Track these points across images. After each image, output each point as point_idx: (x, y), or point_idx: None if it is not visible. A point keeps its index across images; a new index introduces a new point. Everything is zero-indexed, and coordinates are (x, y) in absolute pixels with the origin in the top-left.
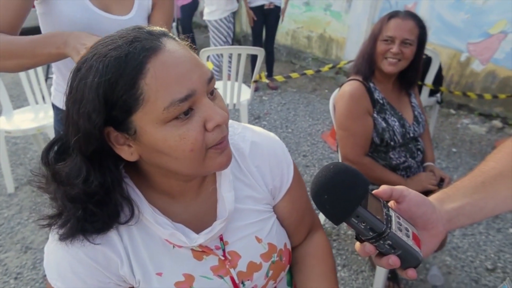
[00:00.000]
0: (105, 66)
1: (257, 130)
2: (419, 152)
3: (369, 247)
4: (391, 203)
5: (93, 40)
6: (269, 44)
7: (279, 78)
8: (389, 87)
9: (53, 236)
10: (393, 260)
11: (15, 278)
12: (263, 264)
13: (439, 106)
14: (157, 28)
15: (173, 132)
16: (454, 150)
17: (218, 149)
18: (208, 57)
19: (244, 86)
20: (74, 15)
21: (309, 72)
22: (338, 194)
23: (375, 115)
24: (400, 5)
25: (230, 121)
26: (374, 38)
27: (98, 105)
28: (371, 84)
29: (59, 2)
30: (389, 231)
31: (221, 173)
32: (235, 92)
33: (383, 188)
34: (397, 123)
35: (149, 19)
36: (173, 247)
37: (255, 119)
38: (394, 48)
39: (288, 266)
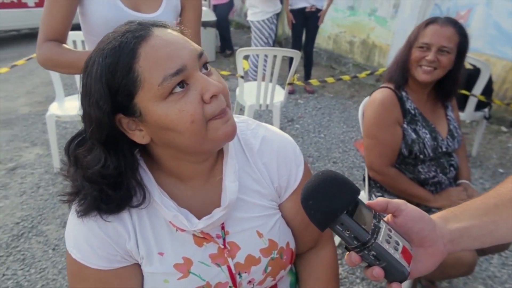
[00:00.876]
0: (103, 57)
1: (271, 128)
2: (451, 168)
3: (354, 256)
4: (388, 217)
5: None
6: (308, 47)
7: (314, 81)
8: (423, 98)
9: (73, 210)
10: (377, 271)
11: (53, 249)
12: (262, 259)
13: (487, 122)
14: (147, 20)
15: (173, 107)
16: (501, 170)
17: (218, 118)
18: (248, 57)
19: (278, 88)
20: (107, 14)
21: (346, 77)
22: (323, 200)
23: (405, 125)
24: (452, 11)
25: (246, 117)
26: (409, 45)
27: (103, 92)
28: (403, 93)
29: (94, 2)
30: (373, 241)
31: (227, 163)
32: (269, 93)
33: (378, 199)
34: (428, 136)
35: (181, 20)
36: (176, 230)
37: (288, 121)
38: (430, 56)
39: (290, 266)
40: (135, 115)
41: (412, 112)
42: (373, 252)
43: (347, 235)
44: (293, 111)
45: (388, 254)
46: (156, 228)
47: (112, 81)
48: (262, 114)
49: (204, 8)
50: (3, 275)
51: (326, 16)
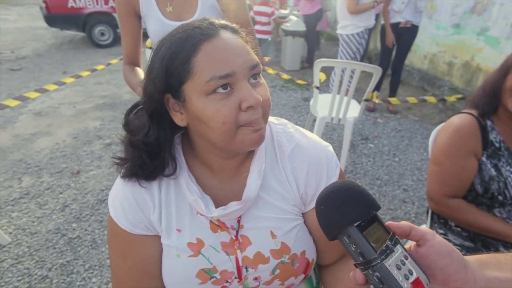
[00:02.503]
0: (171, 43)
1: (308, 135)
2: None
3: (359, 274)
4: (412, 245)
5: None
6: (397, 65)
7: (393, 100)
8: None
9: (119, 174)
10: None
11: None
12: (271, 259)
13: None
14: (220, 21)
15: (211, 104)
16: None
17: (250, 126)
18: (330, 68)
19: (355, 103)
20: (155, 28)
21: (431, 99)
22: (332, 208)
23: (483, 158)
24: None
25: (286, 121)
26: (505, 69)
27: (160, 73)
28: (489, 122)
29: (148, 22)
30: (379, 262)
31: (254, 162)
32: (343, 107)
33: (402, 223)
34: None
35: (226, 14)
36: (196, 213)
37: (362, 139)
38: None
39: (303, 276)
40: (180, 99)
41: (497, 145)
42: (377, 274)
43: (353, 249)
44: (369, 129)
45: (393, 279)
46: (180, 205)
47: (170, 65)
48: (336, 128)
49: (294, 18)
50: (85, 230)
51: (425, 33)
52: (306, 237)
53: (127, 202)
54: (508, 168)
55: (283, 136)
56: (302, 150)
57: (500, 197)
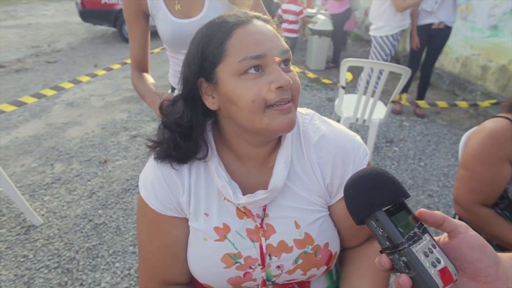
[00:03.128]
0: (207, 29)
1: (334, 125)
2: None
3: (384, 258)
4: (443, 236)
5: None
6: (427, 67)
7: (422, 104)
8: None
9: (152, 156)
10: (404, 280)
11: None
12: (294, 249)
13: None
14: (253, 12)
15: (243, 84)
16: None
17: (277, 109)
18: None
19: (381, 105)
20: (164, 28)
21: (462, 104)
22: (362, 191)
23: None
24: None
25: (313, 112)
26: None
27: (196, 56)
28: None
29: (156, 21)
30: (406, 246)
31: (280, 152)
32: (368, 108)
33: (436, 212)
34: None
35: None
36: (224, 198)
37: (386, 141)
38: None
39: (325, 267)
40: (212, 81)
41: None
42: (403, 258)
43: (380, 233)
44: (394, 132)
45: (420, 265)
46: (209, 190)
47: (205, 49)
48: (360, 129)
49: (322, 17)
50: (110, 217)
51: (458, 35)
52: (330, 230)
53: (158, 183)
54: None
55: (309, 126)
56: (328, 140)
57: None
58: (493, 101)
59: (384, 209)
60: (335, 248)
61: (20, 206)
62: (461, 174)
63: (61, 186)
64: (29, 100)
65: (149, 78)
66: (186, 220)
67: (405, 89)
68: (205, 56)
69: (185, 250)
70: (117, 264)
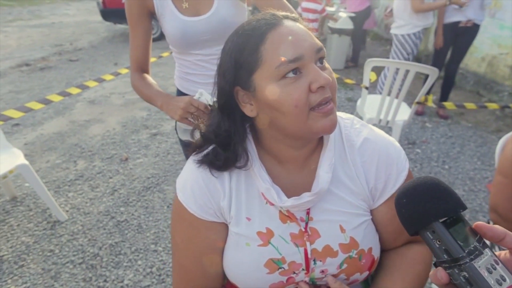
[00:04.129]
0: (237, 37)
1: (375, 130)
2: None
3: (441, 272)
4: (503, 252)
5: (183, 100)
6: (452, 67)
7: (449, 105)
8: None
9: (191, 159)
10: None
11: (168, 206)
12: (340, 253)
13: None
14: (282, 13)
15: (283, 89)
16: None
17: (320, 111)
18: (379, 68)
19: (405, 106)
20: (172, 26)
21: (492, 105)
22: (417, 201)
23: None
24: None
25: (352, 116)
26: None
27: (230, 66)
28: None
29: (163, 20)
30: (467, 261)
31: (324, 155)
32: (392, 109)
33: (496, 226)
34: None
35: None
36: (266, 202)
37: (409, 143)
38: None
39: (367, 273)
40: (250, 89)
41: None
42: (464, 273)
43: (438, 245)
44: (417, 133)
45: (485, 282)
46: (250, 194)
47: (239, 57)
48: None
49: (344, 15)
50: (132, 214)
51: (485, 33)
52: (373, 234)
53: (198, 187)
54: None
55: (352, 130)
56: (372, 144)
57: None
58: None
59: (441, 220)
60: (377, 253)
61: (47, 202)
62: (499, 180)
63: (84, 183)
64: (55, 98)
65: (151, 79)
66: (225, 225)
67: (429, 90)
68: (239, 64)
69: (221, 255)
70: (139, 262)
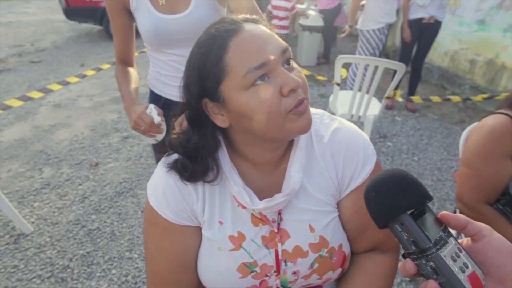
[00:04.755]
0: (198, 48)
1: (344, 123)
2: None
3: (410, 264)
4: (465, 240)
5: (136, 111)
6: (418, 62)
7: (416, 99)
8: None
9: (161, 162)
10: (432, 286)
11: (142, 211)
12: (310, 253)
13: None
14: (239, 16)
15: (253, 97)
16: None
17: (296, 112)
18: (349, 65)
19: (375, 101)
20: (146, 24)
21: (456, 98)
22: (386, 194)
23: None
24: None
25: (322, 111)
26: None
27: (194, 78)
28: None
29: (138, 16)
30: (434, 251)
31: (295, 154)
32: (363, 104)
33: (459, 215)
34: None
35: (229, 4)
36: (238, 206)
37: (380, 137)
38: None
39: (340, 269)
40: (219, 100)
41: None
42: (431, 263)
43: (406, 237)
44: (387, 127)
45: (449, 270)
46: (223, 198)
47: (203, 69)
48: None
49: (313, 13)
50: (104, 222)
51: (446, 30)
52: (341, 230)
53: (170, 191)
54: None
55: (321, 126)
56: (340, 135)
57: None
58: (485, 95)
59: (408, 212)
60: (347, 249)
61: (8, 214)
62: (463, 172)
63: (51, 192)
64: (15, 103)
65: (133, 76)
66: (199, 228)
67: (397, 85)
68: (204, 76)
69: (196, 259)
70: (113, 271)
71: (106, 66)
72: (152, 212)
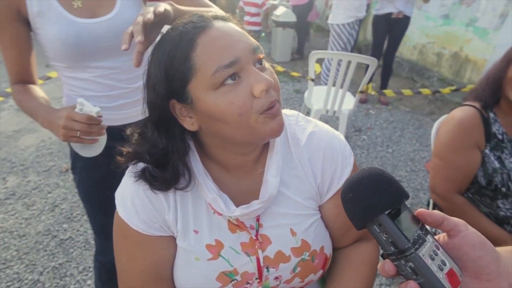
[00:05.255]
0: (164, 45)
1: (320, 125)
2: None
3: (389, 264)
4: (441, 236)
5: (61, 116)
6: (389, 56)
7: (388, 92)
8: None
9: (129, 172)
10: (412, 286)
11: None
12: (292, 258)
13: None
14: (209, 13)
15: (223, 98)
16: None
17: (268, 114)
18: (322, 60)
19: (349, 95)
20: (62, 33)
21: (426, 91)
22: (363, 195)
23: (487, 151)
24: None
25: (296, 113)
26: (507, 60)
27: (160, 77)
28: (491, 114)
29: (45, 22)
30: (413, 251)
31: (271, 158)
32: (338, 99)
33: (434, 211)
34: None
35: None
36: (213, 212)
37: (355, 131)
38: None
39: (321, 271)
40: (187, 102)
41: (499, 137)
42: (410, 264)
43: (384, 238)
44: (362, 121)
45: (428, 270)
46: (196, 206)
47: (169, 67)
48: (329, 120)
49: (284, 9)
50: (77, 230)
51: (414, 24)
52: (323, 232)
53: (140, 202)
54: (511, 159)
55: (297, 128)
56: (316, 139)
57: (503, 189)
58: (453, 87)
59: (386, 212)
60: (329, 250)
61: None
62: (435, 163)
63: (17, 202)
64: None
65: (37, 90)
66: (173, 238)
67: (370, 79)
68: (171, 76)
69: (171, 270)
70: (88, 282)
71: None
72: (121, 224)
